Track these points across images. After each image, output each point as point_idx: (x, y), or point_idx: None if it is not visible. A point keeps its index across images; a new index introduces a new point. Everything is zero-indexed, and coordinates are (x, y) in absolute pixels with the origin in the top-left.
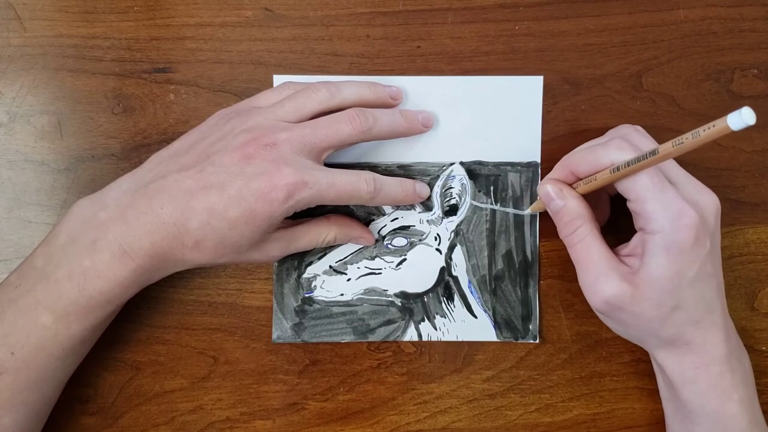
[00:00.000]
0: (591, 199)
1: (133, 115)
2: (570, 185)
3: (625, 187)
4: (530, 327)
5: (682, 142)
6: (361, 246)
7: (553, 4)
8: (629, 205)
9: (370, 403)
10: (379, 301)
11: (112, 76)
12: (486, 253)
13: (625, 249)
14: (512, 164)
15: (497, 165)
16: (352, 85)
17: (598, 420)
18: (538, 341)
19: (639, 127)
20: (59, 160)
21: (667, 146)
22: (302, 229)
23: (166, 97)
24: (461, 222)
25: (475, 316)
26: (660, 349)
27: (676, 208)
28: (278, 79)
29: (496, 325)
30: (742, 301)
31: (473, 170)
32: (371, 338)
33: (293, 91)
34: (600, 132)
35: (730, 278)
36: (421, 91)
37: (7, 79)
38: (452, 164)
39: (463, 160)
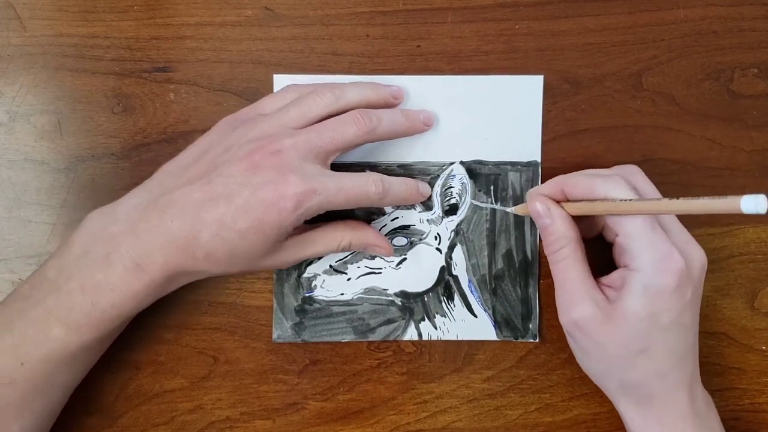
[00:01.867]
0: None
1: (133, 114)
2: (558, 203)
3: (615, 221)
4: (530, 326)
5: (687, 203)
6: None
7: (553, 3)
8: (616, 239)
9: (370, 402)
10: (379, 300)
11: (112, 76)
12: (486, 253)
13: (606, 279)
14: (512, 164)
15: (497, 164)
16: (355, 87)
17: (598, 420)
18: (537, 340)
19: (641, 171)
20: (59, 160)
21: (672, 202)
22: (317, 234)
23: (166, 96)
24: (461, 221)
25: (475, 316)
26: (622, 396)
27: (663, 251)
28: (278, 79)
29: (496, 324)
30: (742, 301)
31: (473, 169)
32: (371, 338)
33: (297, 94)
34: (599, 132)
35: (730, 278)
36: (421, 91)
37: (7, 79)
38: (452, 164)
39: (464, 160)
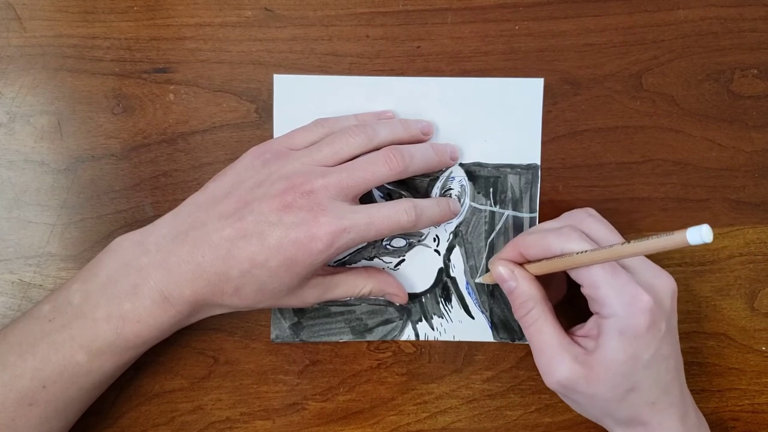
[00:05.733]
0: (545, 277)
1: (132, 115)
2: (521, 265)
3: (577, 273)
4: None
5: (637, 246)
6: (360, 247)
7: (553, 4)
8: (582, 290)
9: (370, 403)
10: (377, 300)
11: (112, 76)
12: (484, 255)
13: (580, 330)
14: (512, 166)
15: (497, 167)
16: (387, 126)
17: None
18: None
19: (593, 212)
20: (59, 160)
21: (622, 248)
22: (339, 279)
23: (166, 97)
24: (460, 223)
25: (472, 317)
26: (618, 427)
27: (629, 293)
28: (278, 79)
29: (493, 325)
30: (742, 301)
31: (473, 172)
32: (369, 338)
33: (327, 129)
34: (599, 132)
35: (730, 278)
36: (421, 93)
37: (7, 79)
38: (452, 166)
39: (463, 162)
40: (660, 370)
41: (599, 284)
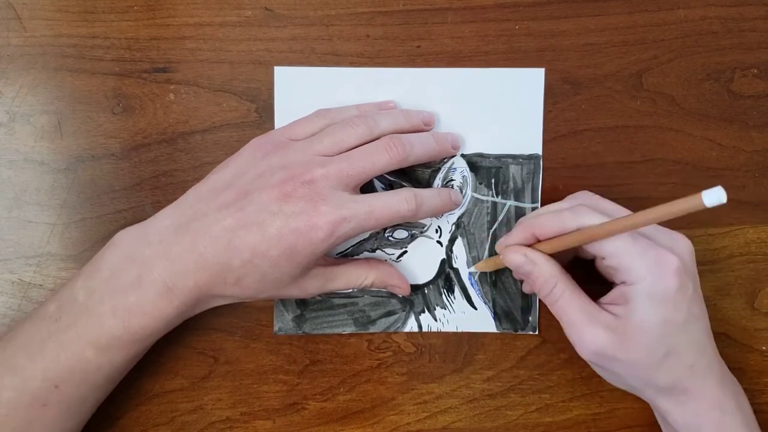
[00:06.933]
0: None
1: (132, 114)
2: (530, 246)
3: (598, 246)
4: (530, 319)
5: (654, 212)
6: (364, 238)
7: (553, 3)
8: (604, 262)
9: (370, 403)
10: (379, 292)
11: (112, 76)
12: (487, 246)
13: (606, 298)
14: (513, 156)
15: (498, 157)
16: (387, 117)
17: (599, 420)
18: (537, 333)
19: (593, 193)
20: (59, 160)
21: (639, 215)
22: (341, 270)
23: (166, 96)
24: (462, 214)
25: (475, 308)
26: (660, 397)
27: (654, 256)
28: (279, 71)
29: (496, 316)
30: (742, 301)
31: (474, 162)
32: (372, 329)
33: (328, 120)
34: (599, 132)
35: (730, 278)
36: (422, 84)
37: (7, 79)
38: (453, 156)
39: (464, 153)
40: (693, 332)
41: (621, 252)
